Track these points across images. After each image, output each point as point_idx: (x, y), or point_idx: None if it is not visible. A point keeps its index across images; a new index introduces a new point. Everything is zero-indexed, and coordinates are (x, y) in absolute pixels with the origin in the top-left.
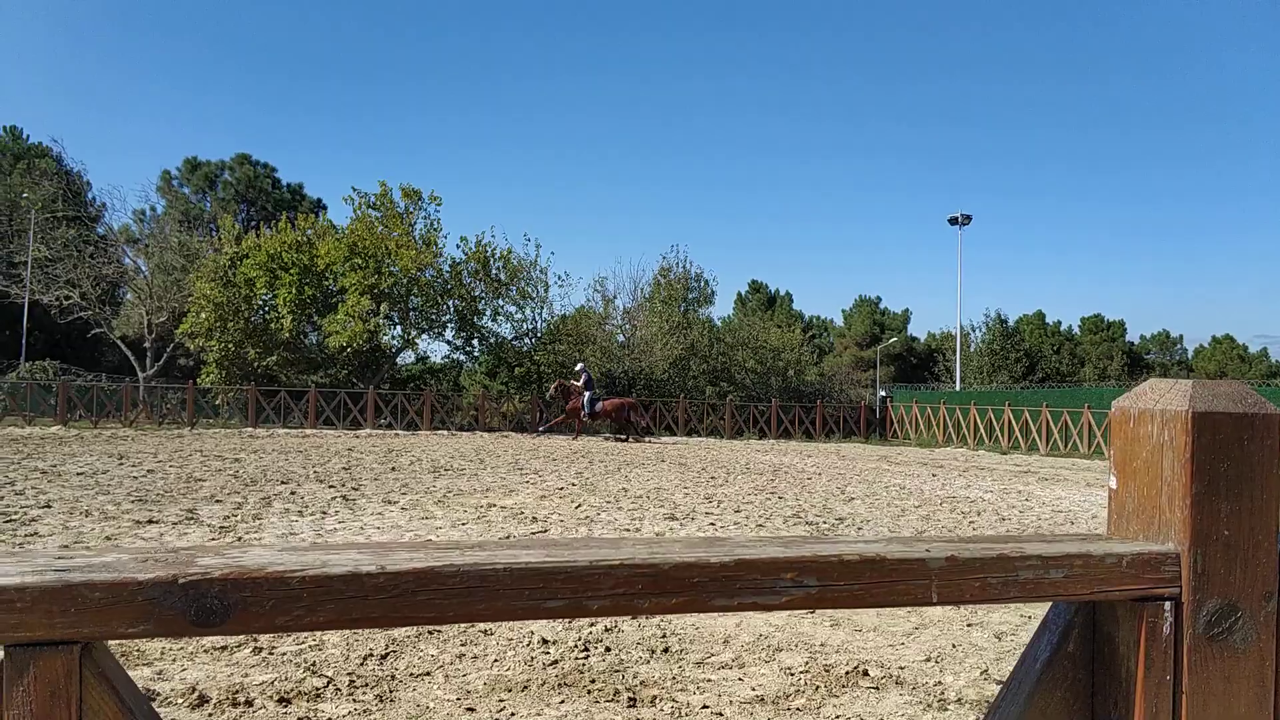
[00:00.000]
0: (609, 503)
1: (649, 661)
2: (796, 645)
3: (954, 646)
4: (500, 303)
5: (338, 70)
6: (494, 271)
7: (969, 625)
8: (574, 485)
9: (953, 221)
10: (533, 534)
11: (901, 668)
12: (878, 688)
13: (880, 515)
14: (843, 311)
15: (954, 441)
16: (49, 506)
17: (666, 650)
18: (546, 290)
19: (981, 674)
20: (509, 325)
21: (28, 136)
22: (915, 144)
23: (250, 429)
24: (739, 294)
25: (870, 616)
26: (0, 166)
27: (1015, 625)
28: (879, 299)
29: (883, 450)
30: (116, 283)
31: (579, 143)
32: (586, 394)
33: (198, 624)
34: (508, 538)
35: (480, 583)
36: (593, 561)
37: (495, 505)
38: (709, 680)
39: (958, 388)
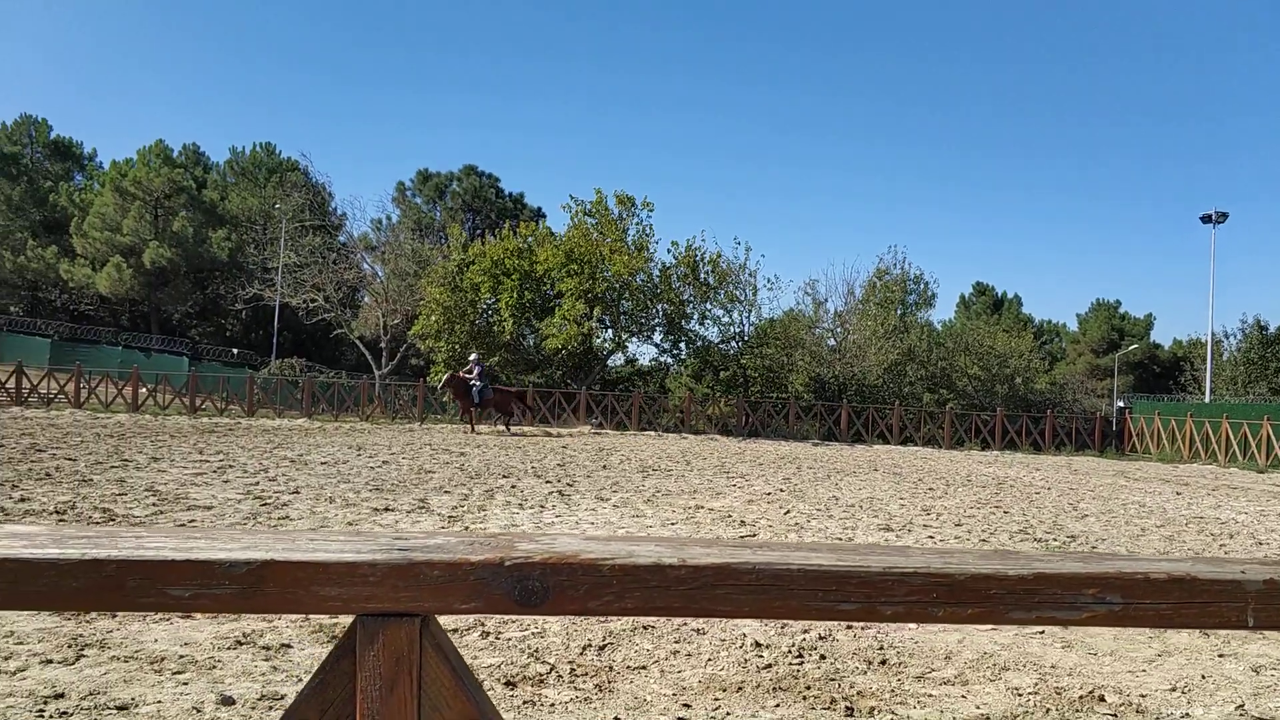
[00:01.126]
0: (819, 510)
1: (866, 672)
2: (1025, 665)
3: (1203, 677)
4: (708, 306)
5: (557, 85)
6: (703, 275)
7: (1220, 655)
8: (782, 491)
9: (1206, 220)
10: (741, 538)
11: (1143, 696)
12: (1115, 715)
13: (1117, 534)
14: (1077, 316)
15: (1201, 457)
16: (298, 493)
17: (884, 662)
18: (755, 293)
19: (1236, 709)
20: (716, 329)
21: (280, 152)
22: (1161, 139)
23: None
24: (962, 296)
25: (1107, 640)
26: (256, 180)
27: (1277, 660)
28: (1118, 303)
29: (1119, 465)
30: (356, 287)
31: (792, 145)
32: (475, 385)
33: (521, 604)
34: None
35: (774, 581)
36: (886, 568)
37: (703, 507)
38: (930, 695)
39: (1208, 399)
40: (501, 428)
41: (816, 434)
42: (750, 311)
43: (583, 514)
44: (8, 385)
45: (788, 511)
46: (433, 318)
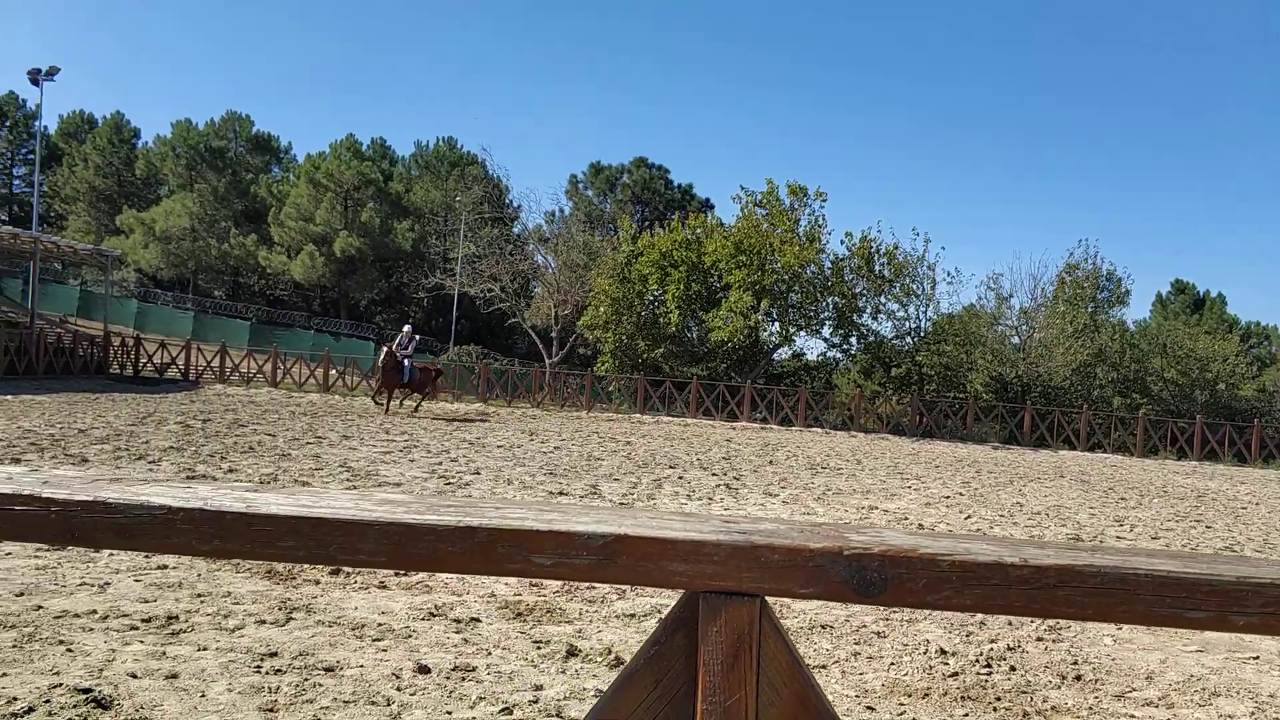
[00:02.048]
0: (1002, 516)
1: (1059, 687)
2: (1238, 693)
3: None
4: (882, 300)
5: (725, 75)
6: (877, 268)
7: None
8: (961, 495)
9: None
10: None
11: None
12: None
13: None
14: None
15: None
16: (478, 473)
17: (1079, 678)
18: (933, 287)
19: None
20: (890, 324)
21: (461, 146)
22: None
23: (638, 415)
24: (1159, 295)
25: None
26: (439, 173)
27: None
28: None
29: None
30: (529, 277)
31: (978, 137)
32: (406, 363)
33: (860, 593)
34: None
35: (1120, 585)
36: (1239, 578)
37: (877, 508)
38: (1131, 716)
39: None
40: (411, 404)
41: (996, 437)
42: (928, 306)
43: (751, 508)
44: (213, 364)
45: (968, 517)
46: (601, 309)
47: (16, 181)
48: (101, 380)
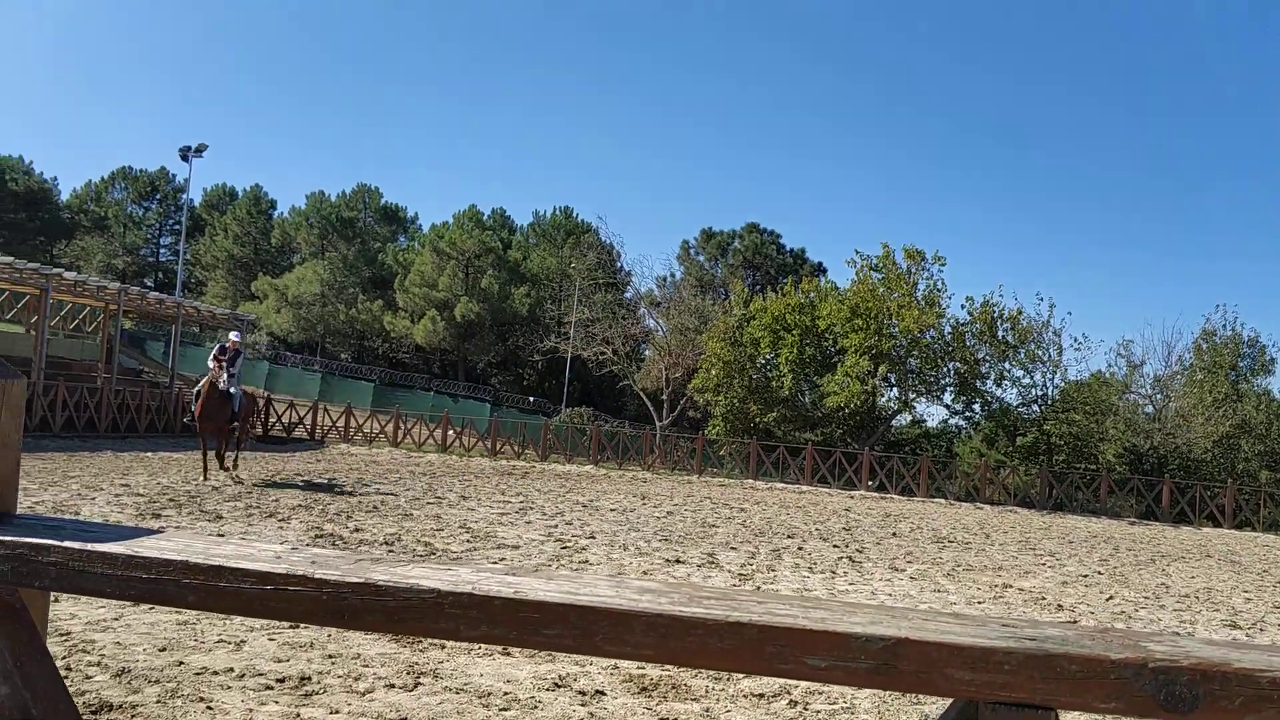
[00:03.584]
0: (1147, 598)
1: None
2: None
3: None
4: (1006, 366)
5: (838, 139)
6: (1000, 333)
7: None
8: (1100, 574)
9: None
10: (1053, 623)
11: None
12: None
13: None
14: None
15: None
16: (593, 537)
17: None
18: (1060, 354)
19: None
20: (1014, 390)
21: (576, 215)
22: None
23: (750, 480)
24: None
25: None
26: (554, 241)
27: None
28: None
29: None
30: (641, 341)
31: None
32: (232, 389)
33: (1167, 709)
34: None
35: None
36: None
37: (1011, 586)
38: None
39: None
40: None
41: (1132, 511)
42: (1054, 373)
43: (878, 584)
44: (338, 424)
45: (1110, 597)
46: (713, 372)
47: (163, 250)
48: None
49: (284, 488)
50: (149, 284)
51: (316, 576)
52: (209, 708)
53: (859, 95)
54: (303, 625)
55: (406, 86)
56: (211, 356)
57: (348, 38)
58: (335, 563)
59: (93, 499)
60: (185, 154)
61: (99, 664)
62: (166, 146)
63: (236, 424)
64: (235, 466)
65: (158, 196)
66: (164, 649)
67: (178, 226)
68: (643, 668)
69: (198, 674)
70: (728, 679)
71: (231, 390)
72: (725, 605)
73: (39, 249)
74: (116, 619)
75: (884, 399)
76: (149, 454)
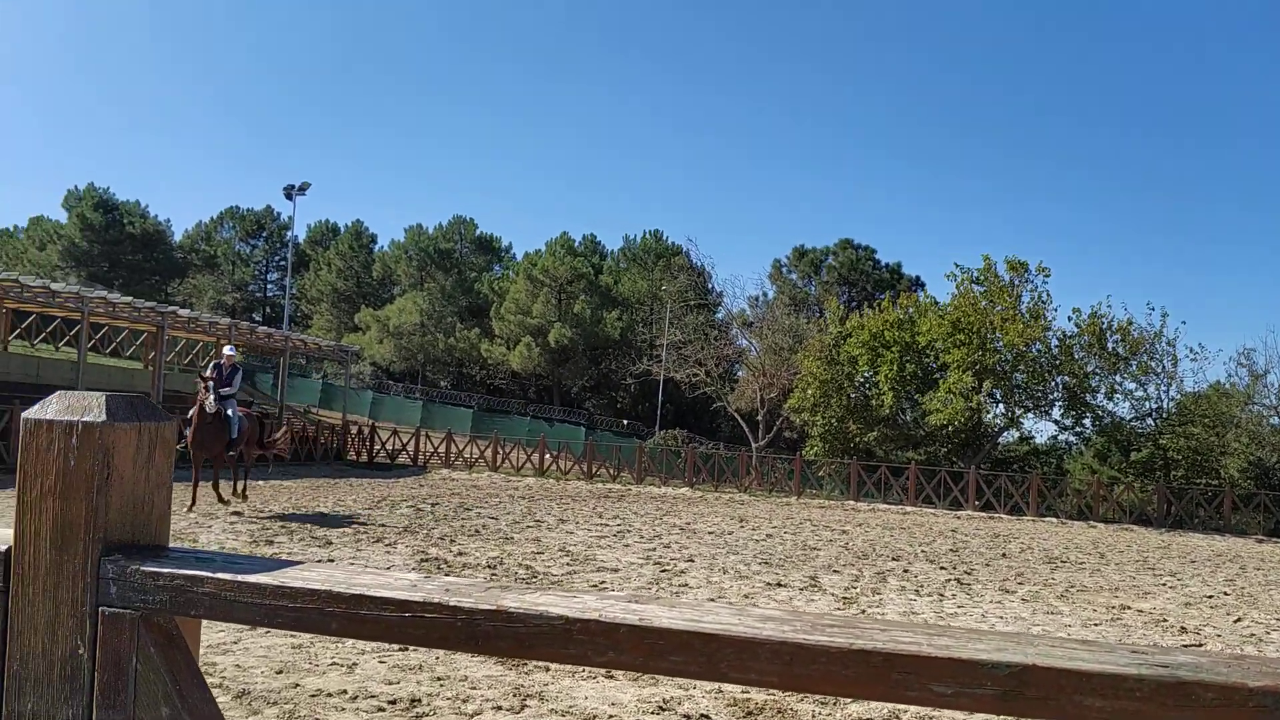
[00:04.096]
0: (1279, 620)
1: None
2: None
3: None
4: (1117, 379)
5: (930, 151)
6: (1110, 345)
7: None
8: (1225, 595)
9: None
10: (1184, 647)
11: None
12: None
13: None
14: None
15: None
16: (692, 561)
17: None
18: (1174, 365)
19: None
20: (1127, 404)
21: (666, 238)
22: None
23: (851, 501)
24: None
25: None
26: (645, 264)
27: None
28: None
29: None
30: (734, 361)
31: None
32: (227, 410)
33: None
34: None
35: None
36: None
37: (1129, 608)
38: None
39: None
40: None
41: (1260, 529)
42: (1169, 385)
43: (988, 606)
44: (439, 450)
45: (1238, 619)
46: (809, 391)
47: (270, 285)
48: (340, 466)
49: (392, 510)
50: (257, 318)
51: (451, 604)
52: None
53: (956, 103)
54: (411, 649)
55: (499, 119)
56: (199, 376)
57: (440, 74)
58: (468, 590)
59: (209, 526)
60: (289, 192)
61: (220, 686)
62: (271, 186)
63: (238, 450)
64: (244, 496)
65: (264, 234)
66: (280, 671)
67: (283, 262)
68: (747, 692)
69: (313, 696)
70: (835, 703)
71: (228, 413)
72: (848, 634)
73: (155, 288)
74: (235, 642)
75: (989, 415)
76: (259, 483)
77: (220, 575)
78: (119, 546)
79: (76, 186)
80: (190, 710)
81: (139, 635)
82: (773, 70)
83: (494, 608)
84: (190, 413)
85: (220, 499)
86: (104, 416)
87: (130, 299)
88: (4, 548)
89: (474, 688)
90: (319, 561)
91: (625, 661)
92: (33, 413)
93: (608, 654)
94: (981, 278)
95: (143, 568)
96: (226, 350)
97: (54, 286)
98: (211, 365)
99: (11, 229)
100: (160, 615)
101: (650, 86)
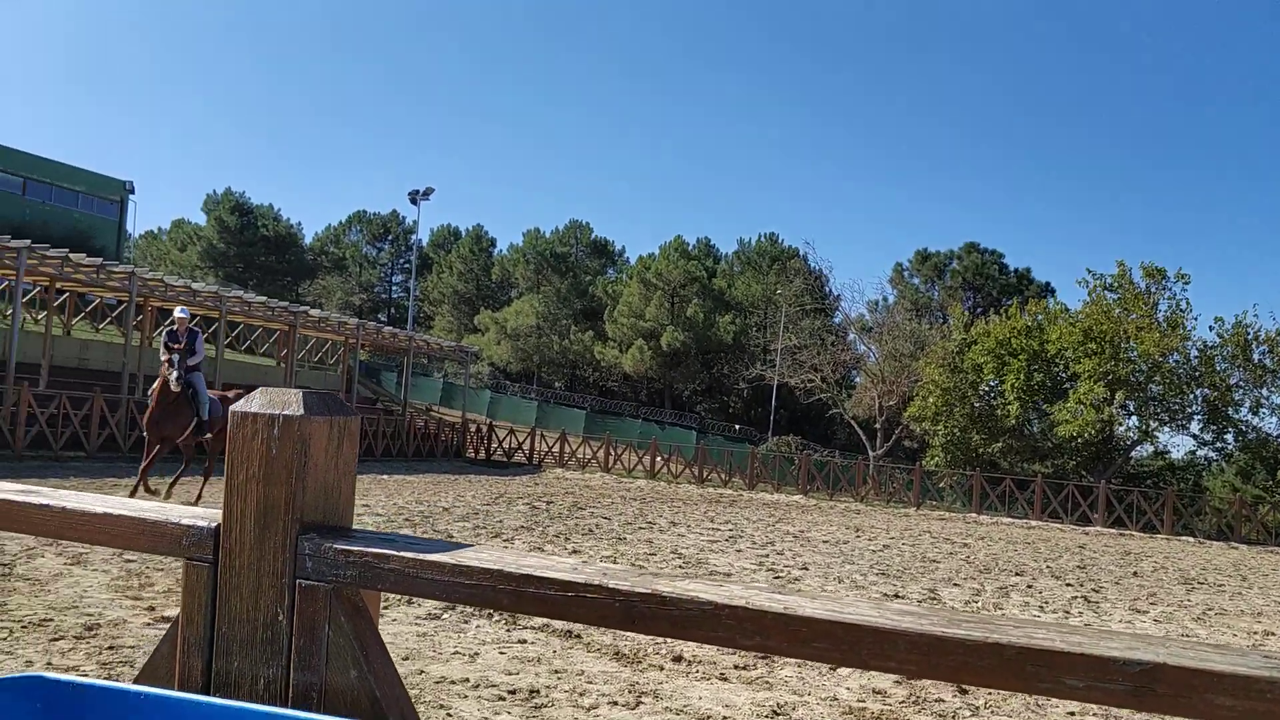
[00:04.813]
0: None
1: None
2: None
3: None
4: (1264, 392)
5: (1061, 153)
6: (1256, 356)
7: None
8: None
9: None
10: None
11: None
12: None
13: None
14: None
15: None
16: (806, 569)
17: None
18: None
19: None
20: (1275, 419)
21: (782, 241)
22: None
23: (974, 514)
24: None
25: None
26: (760, 268)
27: None
28: None
29: None
30: (851, 368)
31: None
32: (195, 388)
33: None
34: None
35: None
36: None
37: (1273, 634)
38: None
39: None
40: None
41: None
42: None
43: (1116, 625)
44: (553, 450)
45: None
46: (930, 399)
47: (395, 287)
48: (459, 462)
49: (509, 507)
50: (382, 319)
51: (610, 586)
52: (449, 715)
53: (1092, 99)
54: (530, 640)
55: (615, 124)
56: (161, 345)
57: (559, 82)
58: (624, 575)
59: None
60: (414, 198)
61: None
62: (397, 192)
63: (208, 435)
64: (198, 499)
65: (389, 238)
66: (406, 658)
67: (407, 265)
68: (863, 701)
69: (437, 683)
70: (952, 717)
71: (198, 394)
72: (984, 628)
73: (286, 288)
74: None
75: (1122, 428)
76: (385, 477)
77: (404, 554)
78: (313, 527)
79: (215, 191)
80: (375, 673)
81: (331, 606)
82: (897, 66)
83: (649, 591)
84: (150, 389)
85: (147, 489)
86: (302, 410)
87: (265, 299)
88: (214, 526)
89: (590, 682)
90: (486, 545)
91: (771, 645)
92: (239, 406)
93: (754, 638)
94: (1116, 284)
95: (335, 545)
96: (179, 312)
97: (195, 286)
98: (165, 332)
99: (156, 231)
100: (350, 588)
101: (769, 86)
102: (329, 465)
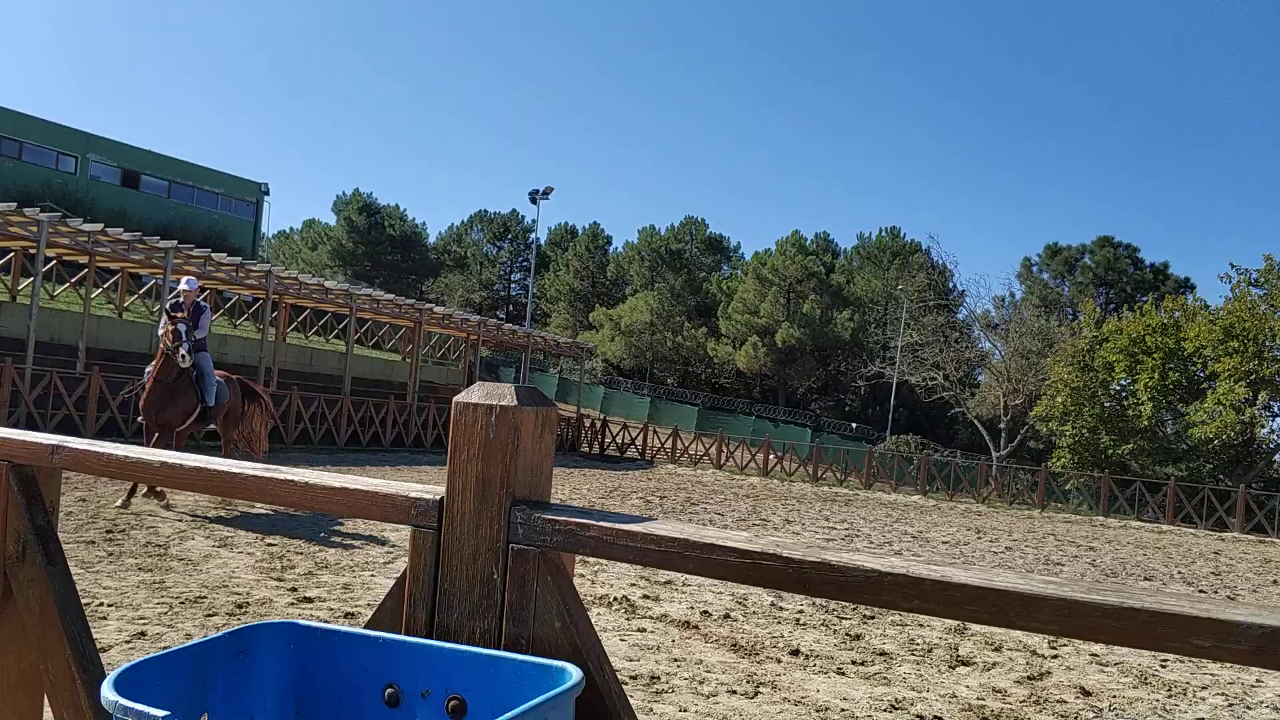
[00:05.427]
0: None
1: None
2: None
3: None
4: None
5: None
6: None
7: None
8: None
9: None
10: None
11: None
12: None
13: None
14: None
15: None
16: None
17: None
18: None
19: None
20: None
21: (904, 235)
22: None
23: (1101, 518)
24: None
25: None
26: (880, 263)
27: None
28: None
29: None
30: (975, 366)
31: None
32: (206, 369)
33: None
34: None
35: None
36: None
37: None
38: None
39: None
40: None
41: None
42: None
43: None
44: (665, 445)
45: None
46: (1058, 399)
47: (513, 285)
48: (574, 456)
49: (623, 501)
50: (501, 316)
51: (784, 554)
52: None
53: (1238, 83)
54: (650, 630)
55: (729, 121)
56: (163, 317)
57: (671, 81)
58: (794, 546)
59: None
60: (534, 197)
61: None
62: (518, 191)
63: (208, 426)
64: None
65: (509, 237)
66: None
67: (526, 263)
68: (983, 699)
69: None
70: (1075, 718)
71: (204, 371)
72: (1120, 595)
73: (411, 286)
74: None
75: (1265, 430)
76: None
77: (602, 523)
78: (522, 500)
79: (344, 192)
80: (575, 625)
81: (539, 567)
82: (1031, 45)
83: (819, 560)
84: (147, 369)
85: (129, 498)
86: (515, 401)
87: (392, 296)
88: (438, 498)
89: (709, 671)
90: (667, 520)
91: (928, 608)
92: (461, 398)
93: (914, 601)
94: (1263, 279)
95: (543, 515)
96: (185, 284)
97: (328, 284)
98: (170, 303)
99: (289, 230)
100: (554, 552)
101: (887, 79)
102: (535, 448)
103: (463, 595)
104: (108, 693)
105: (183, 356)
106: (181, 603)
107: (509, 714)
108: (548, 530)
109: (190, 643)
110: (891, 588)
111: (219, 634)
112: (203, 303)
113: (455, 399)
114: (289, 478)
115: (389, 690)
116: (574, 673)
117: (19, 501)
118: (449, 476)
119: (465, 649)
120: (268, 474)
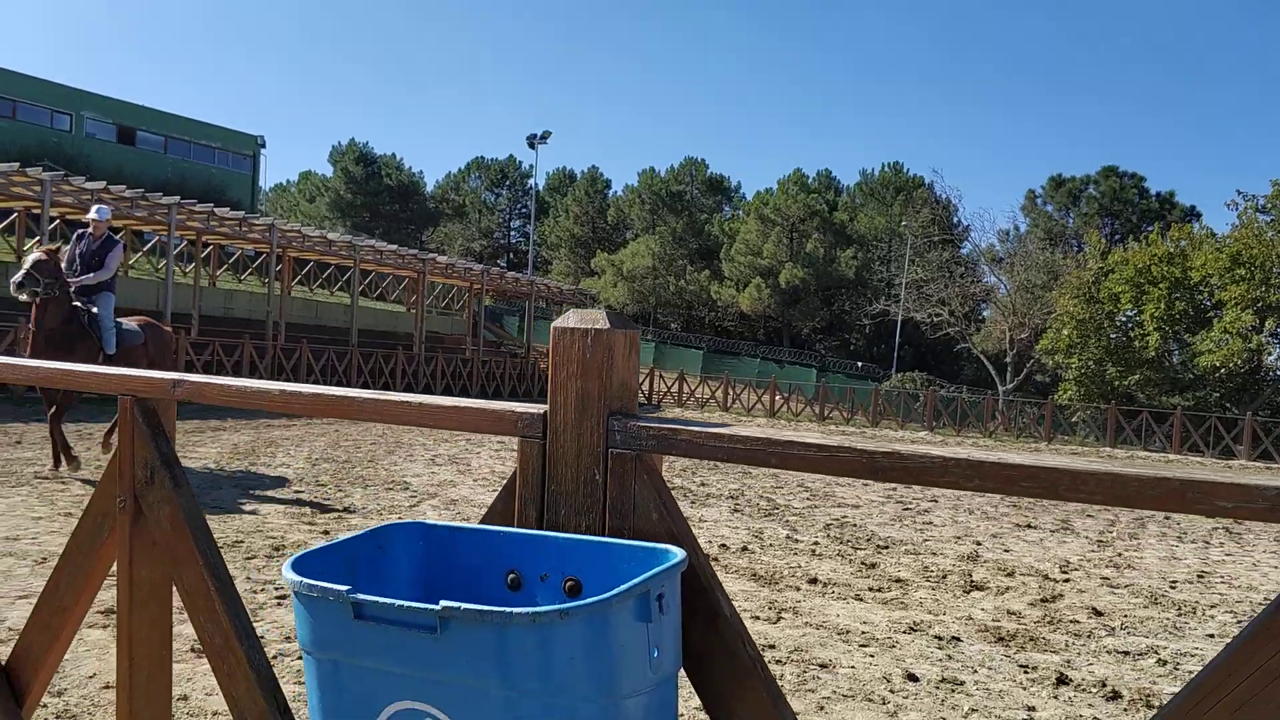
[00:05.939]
0: None
1: None
2: None
3: None
4: None
5: (1205, 67)
6: None
7: None
8: None
9: None
10: None
11: None
12: None
13: None
14: None
15: None
16: (935, 501)
17: None
18: None
19: None
20: None
21: (907, 170)
22: None
23: (1108, 448)
24: None
25: None
26: (883, 199)
27: None
28: None
29: None
30: (980, 300)
31: None
32: (96, 310)
33: None
34: None
35: None
36: None
37: None
38: None
39: None
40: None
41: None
42: None
43: (1260, 555)
44: (672, 390)
45: None
46: (1064, 331)
47: (513, 232)
48: None
49: None
50: (501, 264)
51: (858, 447)
52: None
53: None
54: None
55: (725, 53)
56: (63, 250)
57: (669, 14)
58: (867, 440)
59: (477, 453)
60: (532, 141)
61: None
62: (514, 135)
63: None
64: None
65: (507, 183)
66: None
67: (525, 210)
68: (998, 620)
69: None
70: (1089, 636)
71: (94, 310)
72: (1155, 470)
73: (411, 236)
74: None
75: (1272, 357)
76: None
77: (691, 428)
78: (615, 411)
79: (340, 142)
80: (670, 516)
81: (636, 467)
82: None
83: (890, 450)
84: (28, 320)
85: (58, 462)
86: (607, 325)
87: (395, 247)
88: (542, 412)
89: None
90: (746, 424)
91: (987, 486)
92: (559, 323)
93: (974, 480)
94: (1270, 205)
95: (638, 423)
96: (94, 213)
97: (330, 236)
98: (75, 236)
99: (285, 183)
100: (649, 455)
101: (889, 10)
102: (624, 365)
103: (569, 494)
104: (289, 574)
105: (77, 298)
106: (221, 547)
107: (628, 583)
108: (643, 435)
109: (340, 538)
110: (954, 470)
111: (361, 532)
112: (115, 236)
113: (554, 324)
114: (406, 399)
115: (511, 576)
116: (678, 552)
117: (144, 432)
118: (550, 393)
119: (578, 537)
120: (385, 397)
